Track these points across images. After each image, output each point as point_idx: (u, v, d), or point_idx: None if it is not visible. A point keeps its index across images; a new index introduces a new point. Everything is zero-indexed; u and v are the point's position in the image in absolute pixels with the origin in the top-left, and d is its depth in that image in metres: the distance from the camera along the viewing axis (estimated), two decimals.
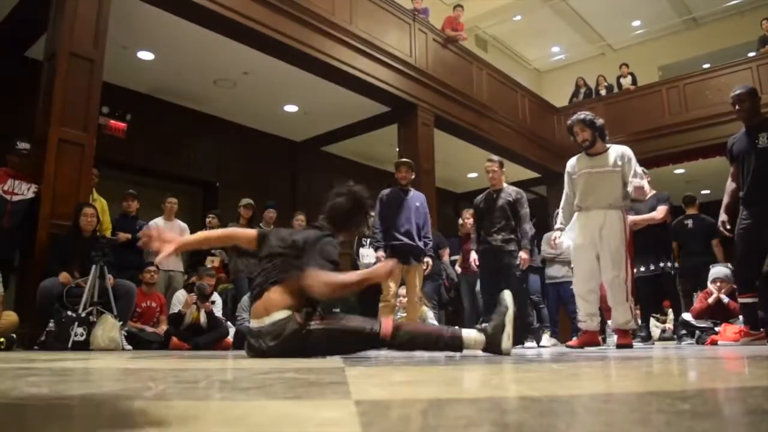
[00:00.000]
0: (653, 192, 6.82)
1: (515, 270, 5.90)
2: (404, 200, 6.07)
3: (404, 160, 6.33)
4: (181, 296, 6.39)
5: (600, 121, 5.04)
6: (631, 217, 6.74)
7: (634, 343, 6.28)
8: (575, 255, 5.10)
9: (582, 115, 5.05)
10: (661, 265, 6.52)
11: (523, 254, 5.87)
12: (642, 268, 6.73)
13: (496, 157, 6.39)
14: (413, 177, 6.29)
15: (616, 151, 4.96)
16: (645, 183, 4.91)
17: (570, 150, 6.14)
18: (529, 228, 6.03)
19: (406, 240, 5.94)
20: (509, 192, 6.14)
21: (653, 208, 6.57)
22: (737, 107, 5.17)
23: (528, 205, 6.19)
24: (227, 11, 6.88)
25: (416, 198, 6.17)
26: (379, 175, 10.76)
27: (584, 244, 4.97)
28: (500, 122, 11.15)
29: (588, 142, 4.98)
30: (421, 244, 6.03)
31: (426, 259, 6.05)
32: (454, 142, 10.65)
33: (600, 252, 4.89)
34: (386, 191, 6.23)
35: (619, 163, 4.89)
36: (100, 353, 4.34)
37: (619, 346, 4.92)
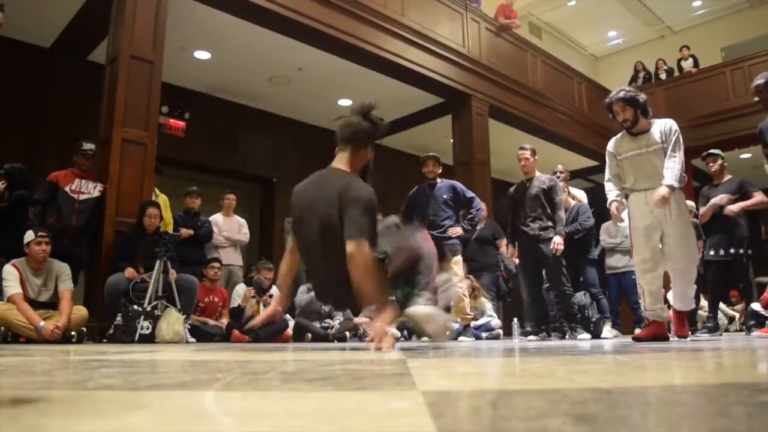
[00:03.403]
0: (729, 176, 6.52)
1: (554, 258, 5.83)
2: (431, 194, 6.18)
3: (430, 154, 6.38)
4: (240, 290, 6.53)
5: (642, 97, 4.54)
6: (740, 204, 6.22)
7: (702, 335, 6.07)
8: (638, 239, 4.53)
9: (621, 92, 4.57)
10: (732, 251, 6.28)
11: (557, 239, 5.79)
12: (711, 253, 6.43)
13: (528, 145, 6.35)
14: (440, 170, 6.34)
15: (660, 125, 4.50)
16: (680, 166, 4.33)
17: None
18: (563, 215, 6.00)
19: (434, 233, 5.85)
20: (542, 180, 6.11)
21: (731, 191, 6.24)
22: (757, 99, 4.83)
23: (561, 192, 6.15)
24: (280, 8, 6.97)
25: (443, 189, 6.21)
26: None
27: (649, 225, 4.43)
28: (556, 110, 10.95)
29: (629, 122, 4.54)
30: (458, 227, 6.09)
31: (456, 228, 6.05)
32: (510, 131, 10.48)
33: (666, 232, 4.39)
34: (414, 189, 6.37)
35: (663, 139, 4.42)
36: (165, 346, 4.46)
37: (679, 336, 4.71)
